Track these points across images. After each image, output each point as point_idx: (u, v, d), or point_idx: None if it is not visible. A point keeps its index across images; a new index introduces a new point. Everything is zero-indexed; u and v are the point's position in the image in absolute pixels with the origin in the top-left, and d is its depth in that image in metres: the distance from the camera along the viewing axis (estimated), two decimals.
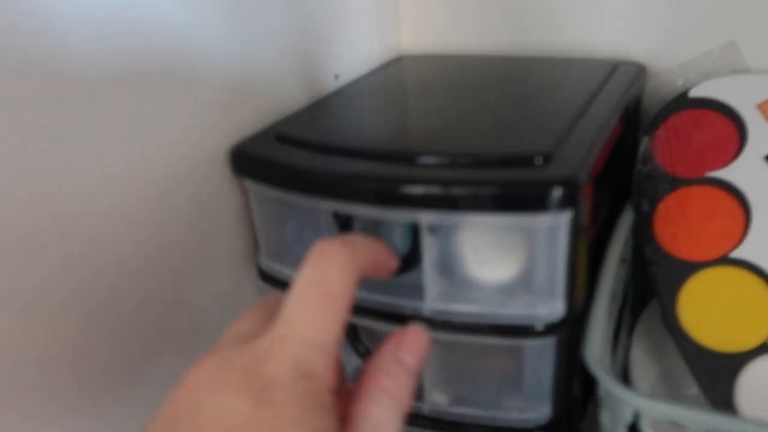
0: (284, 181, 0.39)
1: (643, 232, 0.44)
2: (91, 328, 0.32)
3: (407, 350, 0.27)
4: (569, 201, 0.32)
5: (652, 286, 0.43)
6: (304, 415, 0.22)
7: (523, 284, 0.35)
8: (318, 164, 0.38)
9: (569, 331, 0.36)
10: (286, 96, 0.46)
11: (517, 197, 0.33)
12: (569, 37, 0.53)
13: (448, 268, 0.36)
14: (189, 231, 0.39)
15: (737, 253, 0.41)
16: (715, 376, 0.39)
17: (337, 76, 0.51)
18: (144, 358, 0.36)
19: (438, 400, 0.39)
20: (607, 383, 0.33)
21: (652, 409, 0.32)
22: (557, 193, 0.32)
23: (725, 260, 0.42)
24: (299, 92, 0.47)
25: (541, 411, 0.38)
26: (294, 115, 0.45)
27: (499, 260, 0.36)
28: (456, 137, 0.39)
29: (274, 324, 0.24)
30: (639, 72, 0.48)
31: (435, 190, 0.33)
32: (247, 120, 0.43)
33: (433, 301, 0.36)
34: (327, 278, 0.25)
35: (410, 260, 0.37)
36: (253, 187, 0.41)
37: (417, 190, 0.34)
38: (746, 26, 0.48)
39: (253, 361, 0.23)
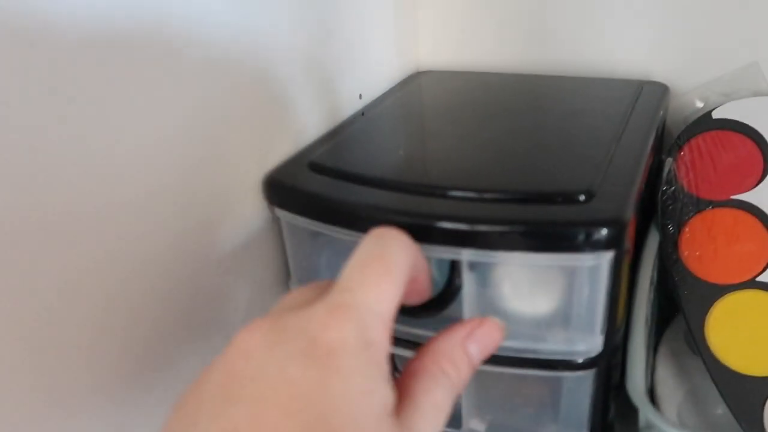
0: (318, 213, 0.39)
1: (669, 255, 0.45)
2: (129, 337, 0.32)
3: (477, 342, 0.27)
4: (615, 242, 0.32)
5: (677, 306, 0.44)
6: (371, 384, 0.21)
7: (562, 319, 0.36)
8: (353, 197, 0.37)
9: (608, 362, 0.37)
10: (314, 118, 0.46)
11: (560, 237, 0.33)
12: (588, 56, 0.54)
13: (487, 302, 0.37)
14: (225, 255, 0.39)
15: (764, 277, 0.42)
16: (744, 399, 0.40)
17: (360, 96, 0.51)
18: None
19: (476, 427, 0.40)
20: (655, 418, 0.34)
21: None
22: (603, 233, 0.32)
23: (752, 284, 0.42)
24: (326, 113, 0.47)
25: None
26: (323, 139, 0.45)
27: (538, 295, 0.36)
28: (492, 169, 0.39)
29: (331, 292, 0.23)
30: (664, 93, 0.48)
31: (476, 227, 0.34)
32: (278, 144, 0.43)
33: None
34: (389, 252, 0.25)
35: (447, 295, 0.37)
36: (286, 216, 0.41)
37: (457, 227, 0.34)
38: None
39: (314, 327, 0.22)
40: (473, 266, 0.35)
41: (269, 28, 0.40)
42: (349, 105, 0.50)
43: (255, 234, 0.42)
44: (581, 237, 0.32)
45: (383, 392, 0.22)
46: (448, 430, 0.40)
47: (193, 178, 0.35)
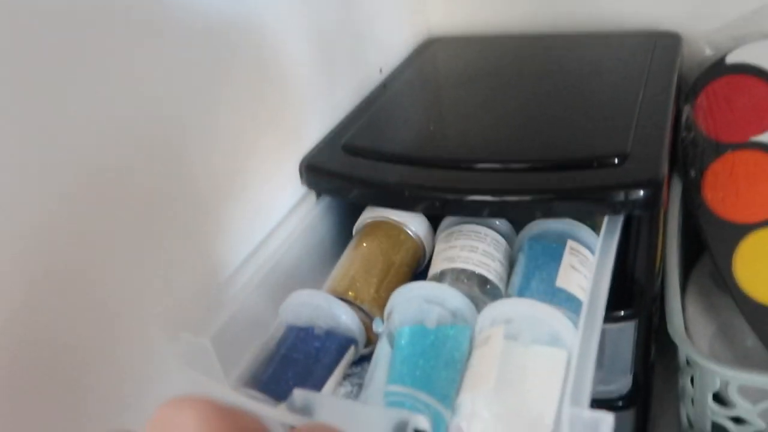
0: (358, 195, 0.40)
1: (692, 200, 0.47)
2: None
3: None
4: (653, 201, 0.34)
5: (701, 247, 0.46)
6: None
7: None
8: (390, 177, 0.39)
9: (649, 309, 0.39)
10: (340, 95, 0.47)
11: (599, 202, 0.34)
12: (599, 9, 0.54)
13: None
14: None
15: None
16: None
17: (381, 70, 0.52)
18: None
19: None
20: (698, 357, 0.36)
21: (740, 377, 0.36)
22: (640, 195, 0.34)
23: None
24: (350, 89, 0.48)
25: (623, 382, 0.41)
26: (352, 117, 0.46)
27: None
28: (521, 138, 0.40)
29: None
30: (678, 43, 0.50)
31: (521, 198, 0.35)
32: (311, 125, 0.44)
33: None
34: None
35: None
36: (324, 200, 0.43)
37: (508, 197, 0.36)
38: None
39: None
40: None
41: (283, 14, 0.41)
42: (370, 78, 0.51)
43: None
44: (619, 200, 0.34)
45: None
46: None
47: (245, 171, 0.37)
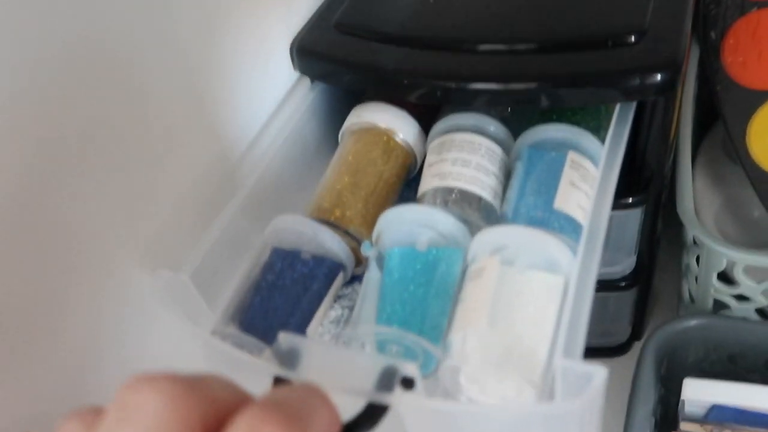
0: (352, 80, 0.38)
1: (711, 64, 0.44)
2: None
3: None
4: (671, 85, 0.31)
5: (714, 117, 0.44)
6: None
7: None
8: (387, 60, 0.36)
9: (659, 185, 0.38)
10: None
11: (613, 87, 0.32)
12: None
13: None
14: None
15: None
16: None
17: None
18: None
19: None
20: (705, 238, 0.36)
21: (748, 258, 0.35)
22: (658, 79, 0.31)
23: None
24: None
25: (627, 262, 0.41)
26: None
27: None
28: (527, 15, 0.36)
29: None
30: None
31: (527, 85, 0.33)
32: None
33: None
34: None
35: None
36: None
37: (514, 85, 0.33)
38: None
39: None
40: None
41: None
42: None
43: None
44: (634, 85, 0.31)
45: None
46: None
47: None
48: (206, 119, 0.33)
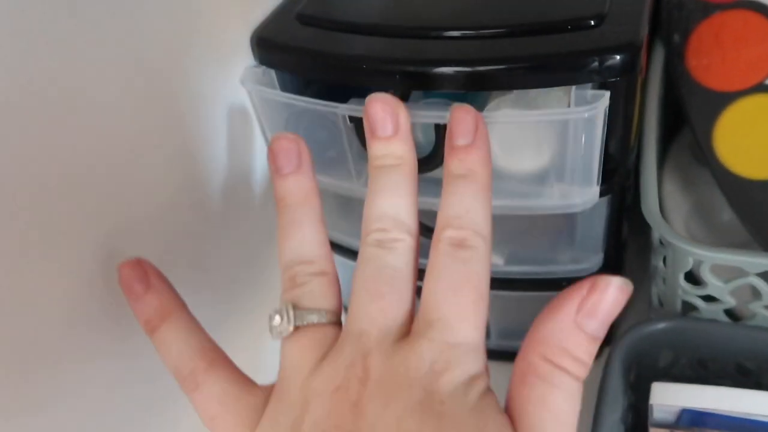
0: (313, 69, 0.37)
1: (675, 67, 0.44)
2: None
3: (595, 315, 0.21)
4: (630, 67, 0.31)
5: (682, 120, 0.44)
6: (482, 421, 0.20)
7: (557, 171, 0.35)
8: (349, 48, 0.35)
9: (622, 184, 0.37)
10: None
11: (576, 68, 0.31)
12: None
13: None
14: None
15: None
16: (751, 203, 0.41)
17: None
18: None
19: (495, 261, 0.41)
20: (671, 237, 0.35)
21: (713, 256, 0.34)
22: (617, 60, 0.31)
23: (761, 88, 0.42)
24: None
25: (594, 260, 0.40)
26: None
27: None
28: (489, 2, 0.36)
29: (430, 326, 0.22)
30: None
31: (489, 68, 0.32)
32: None
33: None
34: (476, 272, 0.22)
35: (433, 158, 0.35)
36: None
37: (478, 67, 0.32)
38: None
39: (425, 375, 0.20)
40: None
41: None
42: None
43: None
44: (593, 67, 0.31)
45: (495, 424, 0.20)
46: None
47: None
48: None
